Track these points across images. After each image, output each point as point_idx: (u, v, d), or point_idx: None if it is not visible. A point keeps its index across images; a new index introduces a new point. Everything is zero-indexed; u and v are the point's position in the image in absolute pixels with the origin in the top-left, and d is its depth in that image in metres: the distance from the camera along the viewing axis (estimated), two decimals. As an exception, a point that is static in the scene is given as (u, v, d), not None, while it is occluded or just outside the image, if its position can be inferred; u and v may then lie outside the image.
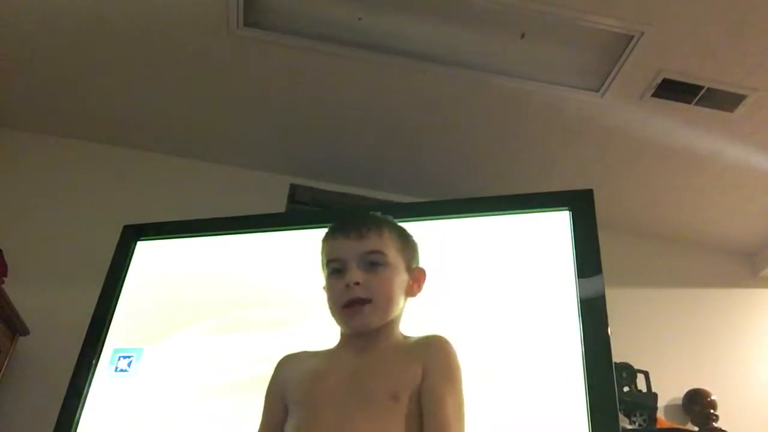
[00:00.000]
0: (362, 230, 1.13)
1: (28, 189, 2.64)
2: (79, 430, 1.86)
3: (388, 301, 1.10)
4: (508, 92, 2.34)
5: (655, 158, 2.56)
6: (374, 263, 1.10)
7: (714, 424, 2.42)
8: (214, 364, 1.91)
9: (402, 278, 1.14)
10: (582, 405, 1.56)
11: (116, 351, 1.98)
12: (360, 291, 1.08)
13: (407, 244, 1.19)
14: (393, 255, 1.13)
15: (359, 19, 2.17)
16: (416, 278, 1.17)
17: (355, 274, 1.08)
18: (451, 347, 1.08)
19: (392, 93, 2.41)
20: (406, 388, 1.01)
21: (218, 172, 2.79)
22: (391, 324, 1.12)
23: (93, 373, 1.94)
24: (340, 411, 1.01)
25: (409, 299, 1.18)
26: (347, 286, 1.08)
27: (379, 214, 1.23)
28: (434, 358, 1.05)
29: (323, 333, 1.84)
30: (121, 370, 1.94)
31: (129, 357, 1.96)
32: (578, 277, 1.73)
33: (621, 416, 2.13)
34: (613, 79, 2.24)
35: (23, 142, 2.72)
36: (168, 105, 2.58)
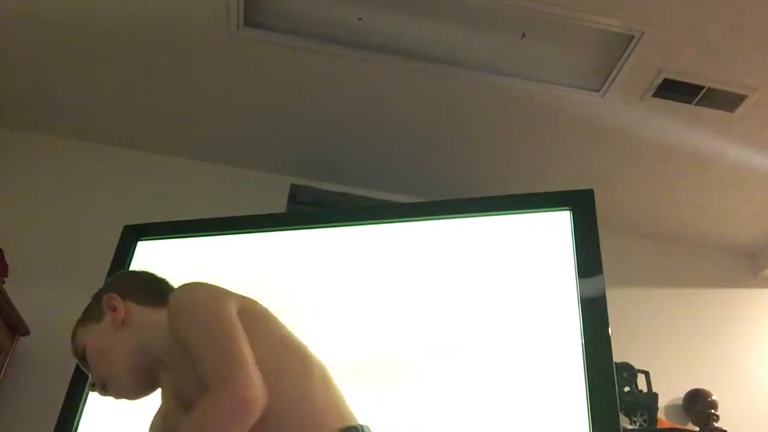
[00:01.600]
0: (74, 351, 1.18)
1: (28, 189, 2.64)
2: (80, 430, 1.86)
3: (115, 368, 1.11)
4: (508, 92, 2.34)
5: (656, 158, 2.56)
6: (84, 357, 1.14)
7: (714, 424, 2.41)
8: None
9: (102, 333, 1.13)
10: (582, 405, 1.56)
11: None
12: (103, 386, 1.13)
13: (85, 312, 1.18)
14: (84, 335, 1.15)
15: (359, 19, 2.17)
16: (108, 307, 1.14)
17: (91, 382, 1.17)
18: (181, 298, 1.04)
19: (392, 93, 2.41)
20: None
21: (218, 172, 2.79)
22: (136, 354, 1.11)
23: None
24: None
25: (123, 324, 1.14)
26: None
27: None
28: (177, 326, 1.01)
29: (323, 332, 1.84)
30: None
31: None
32: (579, 277, 1.73)
33: (621, 416, 2.13)
34: (614, 79, 2.24)
35: (23, 142, 2.72)
36: (168, 105, 2.58)
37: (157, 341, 1.07)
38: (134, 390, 1.12)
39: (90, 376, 1.15)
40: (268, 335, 1.00)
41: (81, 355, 1.15)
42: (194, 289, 1.04)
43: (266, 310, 1.05)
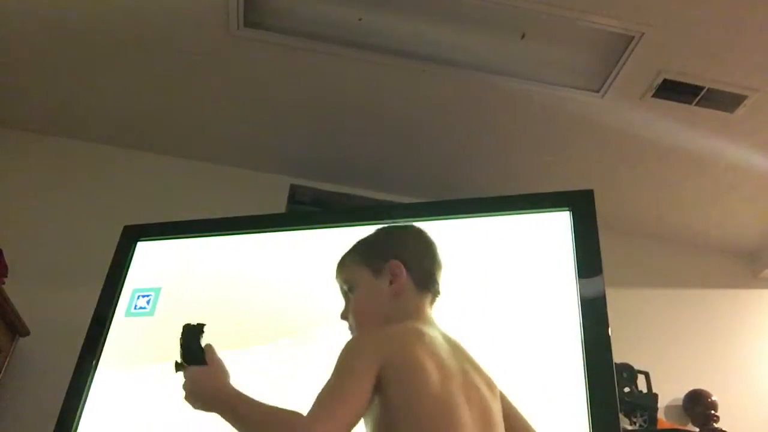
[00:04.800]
0: (336, 269, 1.21)
1: (29, 189, 2.64)
2: (80, 430, 1.86)
3: (365, 320, 1.12)
4: (508, 92, 2.34)
5: (656, 159, 2.56)
6: (347, 293, 1.18)
7: (714, 424, 2.41)
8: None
9: (372, 287, 1.14)
10: (582, 405, 1.56)
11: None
12: (348, 324, 1.16)
13: (369, 248, 1.19)
14: (355, 274, 1.16)
15: (359, 19, 2.17)
16: (393, 274, 1.13)
17: (343, 311, 1.18)
18: (343, 348, 1.01)
19: (392, 93, 2.41)
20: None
21: (218, 172, 2.79)
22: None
23: (93, 374, 1.94)
24: None
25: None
26: None
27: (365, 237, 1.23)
28: None
29: (323, 332, 1.84)
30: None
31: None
32: (579, 278, 1.73)
33: (621, 417, 2.13)
34: (614, 79, 2.24)
35: (23, 142, 2.72)
36: (168, 105, 2.58)
37: (403, 317, 1.10)
38: None
39: (342, 311, 1.18)
40: (419, 396, 0.94)
41: (341, 286, 1.19)
42: (350, 348, 1.01)
43: (419, 369, 0.97)
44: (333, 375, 0.95)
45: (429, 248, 1.20)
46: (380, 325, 1.09)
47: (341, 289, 1.20)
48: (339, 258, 1.22)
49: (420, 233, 1.22)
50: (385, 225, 1.25)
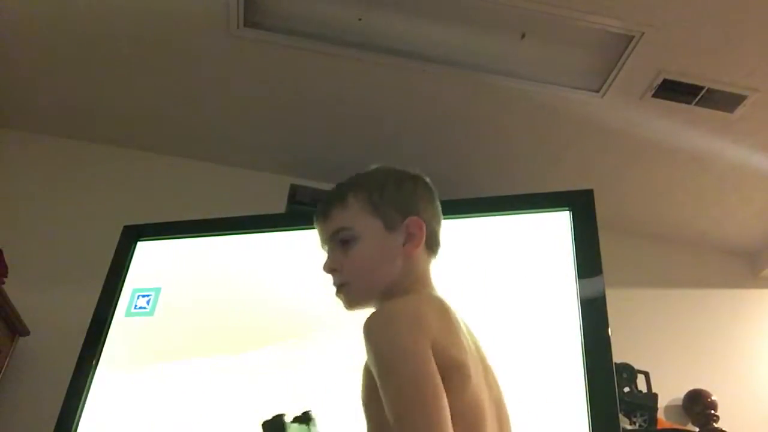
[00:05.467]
0: (326, 210, 1.04)
1: (29, 189, 2.64)
2: (80, 430, 1.86)
3: (366, 277, 0.99)
4: (508, 92, 2.34)
5: (656, 159, 2.56)
6: (344, 241, 1.00)
7: (714, 424, 2.41)
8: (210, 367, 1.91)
9: (383, 243, 0.99)
10: (582, 405, 1.56)
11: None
12: (336, 277, 1.01)
13: (383, 198, 1.02)
14: (362, 223, 1.00)
15: (359, 19, 2.17)
16: (409, 231, 1.00)
17: (328, 261, 1.02)
18: (374, 328, 0.85)
19: (392, 93, 2.41)
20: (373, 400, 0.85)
21: (218, 172, 2.79)
22: (390, 294, 0.97)
23: (93, 374, 1.94)
24: None
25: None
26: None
27: (356, 175, 1.09)
28: (368, 356, 0.85)
29: (324, 332, 1.83)
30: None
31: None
32: (579, 278, 1.73)
33: (621, 417, 2.13)
34: (614, 79, 2.24)
35: (23, 142, 2.72)
36: (168, 105, 2.58)
37: (411, 286, 0.98)
38: (363, 305, 0.99)
39: (326, 262, 1.02)
40: (461, 394, 0.82)
41: (332, 232, 1.02)
42: (390, 324, 0.84)
43: (463, 355, 0.86)
44: (400, 391, 0.78)
45: (437, 204, 1.09)
46: (383, 287, 0.97)
47: (329, 235, 1.02)
48: (329, 196, 1.06)
49: (429, 185, 1.11)
50: (386, 167, 1.11)
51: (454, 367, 0.83)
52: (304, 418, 0.99)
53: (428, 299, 0.96)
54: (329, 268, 1.02)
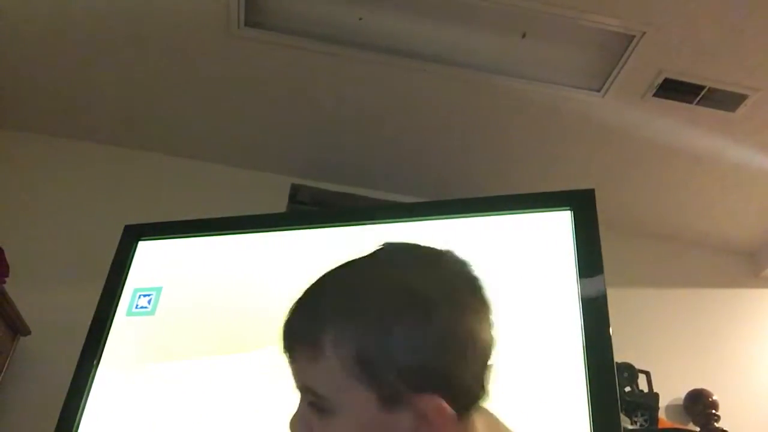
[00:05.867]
0: (290, 340, 0.67)
1: (29, 189, 2.64)
2: (81, 430, 1.86)
3: None
4: (508, 92, 2.34)
5: (657, 158, 2.56)
6: (316, 409, 0.65)
7: (715, 424, 2.41)
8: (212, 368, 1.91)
9: (377, 426, 0.62)
10: (583, 405, 1.56)
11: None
12: None
13: (374, 346, 0.62)
14: (342, 391, 0.63)
15: (360, 19, 2.17)
16: (424, 418, 0.62)
17: (296, 422, 0.68)
18: None
19: (393, 93, 2.41)
20: None
21: (219, 172, 2.79)
22: None
23: (94, 374, 1.94)
24: None
25: None
26: None
27: (340, 277, 0.70)
28: None
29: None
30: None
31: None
32: (579, 277, 1.72)
33: (622, 416, 2.13)
34: (615, 78, 2.24)
35: (23, 142, 2.72)
36: (168, 105, 2.58)
37: None
38: None
39: (293, 421, 0.68)
40: None
41: (298, 387, 0.68)
42: None
43: None
44: None
45: (478, 327, 0.67)
46: None
47: (295, 385, 0.67)
48: (296, 319, 0.68)
49: (460, 290, 0.67)
50: (388, 260, 0.68)
51: None
52: None
53: None
54: (295, 431, 0.68)
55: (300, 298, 0.70)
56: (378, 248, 0.70)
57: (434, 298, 0.64)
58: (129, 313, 2.05)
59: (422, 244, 0.69)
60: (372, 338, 0.62)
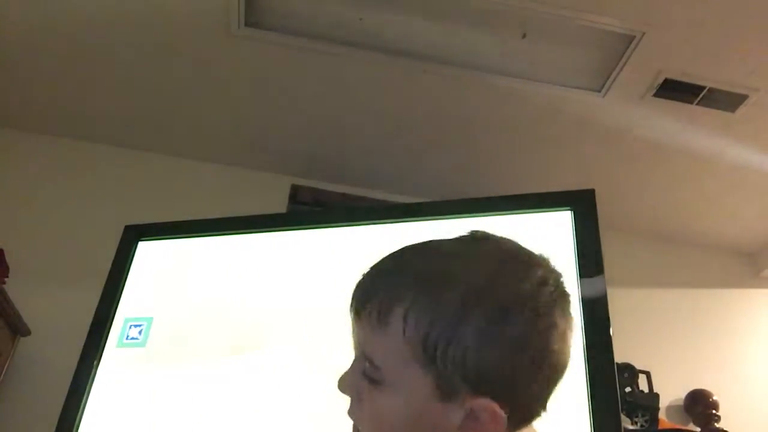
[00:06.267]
0: (362, 303, 0.65)
1: (29, 189, 2.64)
2: (81, 430, 1.86)
3: None
4: (508, 92, 2.34)
5: (657, 158, 2.56)
6: (368, 377, 0.64)
7: (716, 424, 2.41)
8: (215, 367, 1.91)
9: (426, 410, 0.61)
10: (584, 405, 1.55)
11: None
12: (352, 415, 0.67)
13: (446, 336, 0.59)
14: (400, 367, 0.61)
15: (360, 19, 2.17)
16: (476, 419, 0.60)
17: (346, 380, 0.67)
18: None
19: (392, 93, 2.41)
20: None
21: (219, 172, 2.79)
22: None
23: (95, 374, 1.94)
24: None
25: None
26: None
27: (432, 255, 0.66)
28: None
29: (324, 333, 1.83)
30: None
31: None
32: (580, 277, 1.72)
33: (623, 417, 2.13)
34: (615, 79, 2.24)
35: (24, 143, 2.72)
36: (168, 105, 2.58)
37: None
38: None
39: (342, 380, 0.68)
40: None
41: (358, 349, 0.68)
42: None
43: None
44: None
45: (557, 343, 0.64)
46: None
47: (359, 353, 0.67)
48: (374, 286, 0.65)
49: (549, 305, 0.63)
50: (486, 253, 0.66)
51: None
52: None
53: None
54: (342, 388, 0.68)
55: (378, 263, 0.66)
56: (470, 234, 0.68)
57: (520, 302, 0.60)
58: (120, 345, 2.02)
59: (521, 243, 0.67)
60: (446, 324, 0.59)
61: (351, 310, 0.66)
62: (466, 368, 0.59)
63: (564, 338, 0.64)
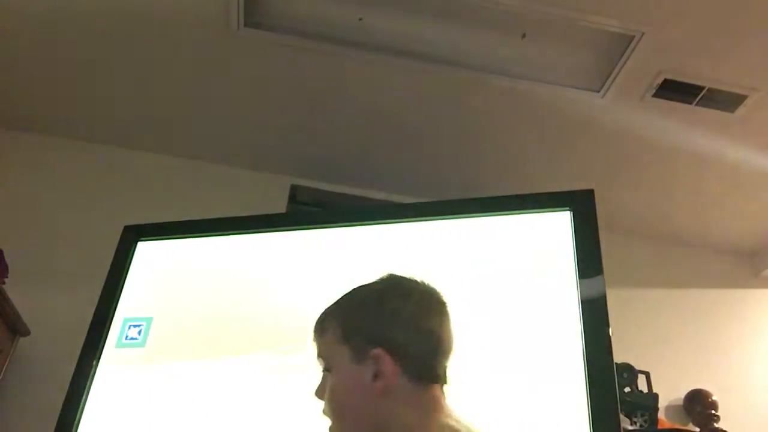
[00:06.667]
0: (314, 329, 0.98)
1: (29, 189, 2.64)
2: (81, 430, 1.86)
3: (340, 415, 0.90)
4: (508, 92, 2.34)
5: (656, 159, 2.56)
6: (324, 370, 0.94)
7: (715, 424, 2.41)
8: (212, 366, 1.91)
9: (351, 376, 0.89)
10: (583, 406, 1.56)
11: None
12: (324, 409, 0.93)
13: (350, 319, 0.93)
14: (332, 351, 0.92)
15: (360, 19, 2.17)
16: (376, 366, 0.87)
17: (318, 388, 0.95)
18: None
19: (392, 93, 2.41)
20: None
21: (218, 172, 2.79)
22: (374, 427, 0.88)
23: (94, 374, 1.94)
24: None
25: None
26: None
27: (345, 294, 0.99)
28: None
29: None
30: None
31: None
32: (579, 278, 1.72)
33: (622, 417, 2.13)
34: (614, 79, 2.24)
35: (23, 143, 2.72)
36: (168, 105, 2.58)
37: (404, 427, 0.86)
38: None
39: (317, 387, 0.95)
40: None
41: (317, 355, 0.96)
42: None
43: None
44: None
45: (436, 324, 0.94)
46: (365, 426, 0.88)
47: (317, 358, 0.96)
48: (318, 317, 0.98)
49: (427, 302, 0.96)
50: (384, 279, 0.98)
51: None
52: None
53: None
54: (316, 394, 0.95)
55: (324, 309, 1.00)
56: (378, 278, 1.00)
57: (404, 290, 0.96)
58: (119, 345, 2.01)
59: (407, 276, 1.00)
60: (350, 321, 0.93)
61: (313, 336, 0.98)
62: (364, 333, 0.90)
63: (428, 321, 0.94)
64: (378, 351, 0.87)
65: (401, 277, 0.98)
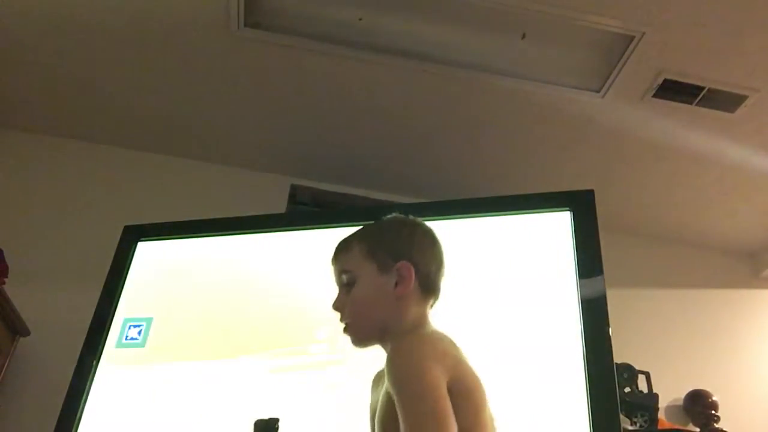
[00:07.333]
0: (335, 253, 1.14)
1: (29, 189, 2.64)
2: (81, 430, 1.86)
3: (363, 315, 1.07)
4: (508, 92, 2.34)
5: (656, 159, 2.56)
6: (347, 284, 1.10)
7: (715, 424, 2.41)
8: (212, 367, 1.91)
9: (376, 285, 1.07)
10: (583, 406, 1.56)
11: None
12: (342, 317, 1.09)
13: (379, 242, 1.11)
14: (360, 266, 1.09)
15: (360, 19, 2.17)
16: (401, 276, 1.07)
17: (336, 300, 1.10)
18: (398, 359, 0.95)
19: (392, 93, 2.41)
20: (391, 420, 0.93)
21: (218, 172, 2.79)
22: (396, 337, 1.03)
23: (94, 374, 1.94)
24: None
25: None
26: None
27: (365, 225, 1.17)
28: (389, 382, 0.94)
29: (324, 333, 1.83)
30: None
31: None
32: (579, 278, 1.73)
33: (622, 417, 2.13)
34: (614, 79, 2.24)
35: (24, 143, 2.72)
36: (168, 105, 2.58)
37: (409, 326, 1.05)
38: (366, 343, 1.09)
39: (333, 301, 1.11)
40: (471, 415, 0.95)
41: (338, 274, 1.11)
42: (409, 356, 0.95)
43: (475, 382, 0.99)
44: (416, 411, 0.88)
45: (437, 251, 1.15)
46: (382, 326, 1.05)
47: (337, 276, 1.12)
48: (340, 242, 1.15)
49: (429, 233, 1.16)
50: (395, 216, 1.17)
51: (470, 391, 0.95)
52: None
53: (438, 336, 1.04)
54: (335, 306, 1.11)
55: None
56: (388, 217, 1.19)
57: (412, 222, 1.16)
58: (119, 345, 2.01)
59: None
60: (374, 241, 1.11)
61: (331, 259, 1.14)
62: (389, 250, 1.09)
63: (434, 246, 1.15)
64: (405, 263, 1.07)
65: (405, 216, 1.18)
